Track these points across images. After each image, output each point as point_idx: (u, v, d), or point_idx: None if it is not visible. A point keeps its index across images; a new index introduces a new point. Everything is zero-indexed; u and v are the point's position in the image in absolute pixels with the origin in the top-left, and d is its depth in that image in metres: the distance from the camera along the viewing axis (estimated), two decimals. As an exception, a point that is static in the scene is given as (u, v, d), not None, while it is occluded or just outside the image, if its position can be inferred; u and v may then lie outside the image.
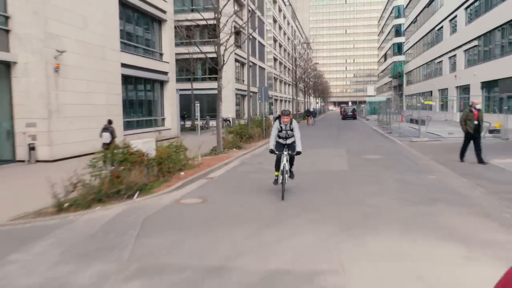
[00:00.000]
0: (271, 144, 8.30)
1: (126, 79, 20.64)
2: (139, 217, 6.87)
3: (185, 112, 35.38)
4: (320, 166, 12.29)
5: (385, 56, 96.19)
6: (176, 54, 27.36)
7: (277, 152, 8.21)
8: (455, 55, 40.69)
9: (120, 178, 8.55)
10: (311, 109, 55.71)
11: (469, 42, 36.26)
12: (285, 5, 75.64)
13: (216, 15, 16.23)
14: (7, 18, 14.26)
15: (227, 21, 16.57)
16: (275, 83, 65.21)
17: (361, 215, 6.69)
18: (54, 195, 7.50)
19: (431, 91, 50.08)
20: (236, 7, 35.97)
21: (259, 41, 51.01)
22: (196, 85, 36.25)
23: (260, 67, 51.60)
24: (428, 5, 50.80)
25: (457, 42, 39.44)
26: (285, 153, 8.21)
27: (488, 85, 32.38)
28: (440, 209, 6.87)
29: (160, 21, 24.65)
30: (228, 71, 34.68)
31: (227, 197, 8.56)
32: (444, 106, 44.57)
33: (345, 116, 55.64)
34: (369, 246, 5.15)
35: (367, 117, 57.19)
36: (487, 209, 6.84)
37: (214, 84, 23.88)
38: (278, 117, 8.45)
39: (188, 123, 35.28)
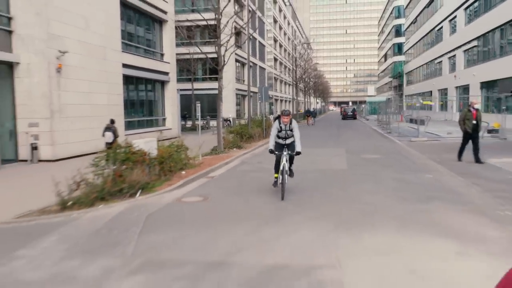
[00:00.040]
0: (271, 144, 8.28)
1: (127, 79, 20.80)
2: (142, 215, 7.03)
3: (186, 112, 35.55)
4: (320, 165, 12.45)
5: (385, 56, 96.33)
6: (177, 54, 27.52)
7: (276, 153, 8.21)
8: (454, 55, 40.84)
9: (123, 177, 8.70)
10: (311, 109, 55.81)
11: (469, 42, 36.41)
12: (285, 5, 75.80)
13: (216, 16, 16.38)
14: (9, 19, 14.41)
15: (228, 22, 16.72)
16: (276, 83, 65.37)
17: (358, 212, 6.84)
18: (58, 194, 7.66)
19: (431, 91, 50.24)
20: (236, 8, 36.11)
21: (259, 41, 51.18)
22: (197, 85, 36.42)
23: (260, 67, 51.76)
24: (428, 5, 50.95)
25: (457, 42, 39.59)
26: (285, 153, 8.21)
27: (487, 85, 32.52)
28: (435, 207, 7.03)
29: (161, 22, 24.81)
30: (229, 71, 34.84)
31: (228, 195, 8.71)
32: (443, 106, 44.72)
33: (345, 116, 55.81)
34: (366, 242, 5.31)
35: (367, 117, 57.34)
36: (482, 207, 7.00)
37: (214, 84, 24.06)
38: (278, 117, 8.44)
39: (188, 123, 35.46)
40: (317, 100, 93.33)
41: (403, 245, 5.16)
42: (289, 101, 73.09)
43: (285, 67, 74.00)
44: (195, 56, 32.13)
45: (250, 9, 33.47)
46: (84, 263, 4.83)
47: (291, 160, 8.51)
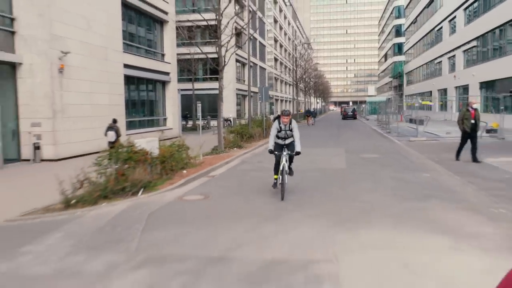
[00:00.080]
0: (270, 145, 8.26)
1: (128, 80, 20.96)
2: (144, 213, 7.19)
3: (187, 112, 35.71)
4: (319, 165, 12.60)
5: (385, 56, 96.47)
6: (178, 54, 27.68)
7: (276, 153, 8.20)
8: (454, 56, 40.99)
9: (125, 176, 8.86)
10: (311, 109, 55.97)
11: (468, 42, 36.55)
12: (285, 5, 75.95)
13: (217, 17, 16.53)
14: (12, 20, 14.58)
15: (228, 22, 16.87)
16: (276, 83, 65.53)
17: (356, 210, 6.99)
18: (62, 192, 7.81)
19: (431, 91, 50.40)
20: (237, 8, 36.26)
21: (260, 42, 51.33)
22: (197, 85, 36.58)
23: (261, 67, 51.92)
24: (428, 5, 51.10)
25: (456, 42, 39.74)
26: (284, 153, 8.19)
27: (486, 85, 32.66)
28: (431, 205, 7.19)
29: (161, 22, 24.98)
30: (229, 72, 34.99)
31: (228, 194, 8.87)
32: (443, 106, 44.88)
33: (345, 116, 55.98)
34: (362, 238, 5.47)
35: (367, 117, 57.50)
36: (476, 204, 7.16)
37: (215, 84, 24.19)
38: (277, 117, 8.39)
39: (189, 123, 35.61)
40: (318, 100, 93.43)
41: (398, 241, 5.32)
42: (290, 101, 73.24)
43: (286, 67, 74.16)
44: (196, 56, 32.28)
45: (251, 9, 33.61)
46: (89, 259, 4.99)
47: (290, 160, 8.51)
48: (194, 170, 11.56)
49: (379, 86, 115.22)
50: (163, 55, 25.25)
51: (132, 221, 6.66)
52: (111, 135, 13.43)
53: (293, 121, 8.31)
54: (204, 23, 18.56)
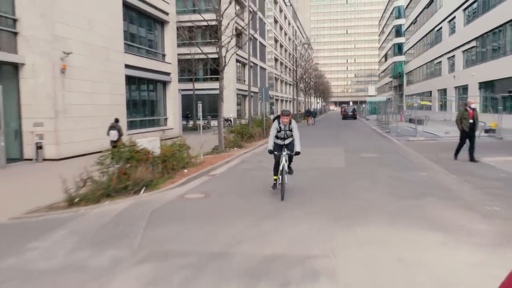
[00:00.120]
0: (270, 145, 8.24)
1: (129, 80, 21.13)
2: (146, 211, 7.35)
3: (189, 112, 35.86)
4: (319, 164, 12.76)
5: (385, 56, 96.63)
6: (178, 54, 27.84)
7: (276, 153, 8.19)
8: (453, 56, 41.14)
9: (127, 175, 9.02)
10: (311, 109, 56.13)
11: (467, 43, 36.70)
12: (286, 5, 76.11)
13: (217, 17, 16.68)
14: (15, 21, 14.75)
15: (229, 24, 17.02)
16: (276, 83, 65.69)
17: (354, 208, 7.15)
18: (66, 190, 7.97)
19: (431, 91, 50.55)
20: (237, 8, 36.40)
21: (260, 42, 51.49)
22: (198, 85, 36.74)
23: (261, 67, 52.07)
24: (428, 6, 51.26)
25: (456, 43, 39.89)
26: (284, 153, 8.17)
27: (485, 86, 32.82)
28: (427, 203, 7.35)
29: (162, 23, 25.14)
30: (230, 72, 35.13)
31: (229, 192, 9.03)
32: (443, 106, 45.04)
33: (345, 116, 56.15)
34: (359, 234, 5.63)
35: (367, 117, 57.65)
36: (471, 202, 7.32)
37: (215, 84, 24.33)
38: (277, 117, 8.37)
39: (190, 123, 35.77)
40: (318, 100, 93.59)
41: (393, 237, 5.48)
42: (290, 101, 73.42)
43: (286, 67, 74.33)
44: (196, 57, 32.44)
45: (251, 9, 33.76)
46: (94, 254, 5.15)
47: (290, 159, 8.50)
48: (195, 169, 11.72)
49: (380, 86, 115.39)
50: (163, 55, 25.41)
51: (135, 219, 6.82)
52: (114, 134, 13.63)
53: (293, 121, 8.29)
54: (205, 23, 18.70)
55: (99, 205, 7.92)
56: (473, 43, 35.42)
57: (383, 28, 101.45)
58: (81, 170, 8.53)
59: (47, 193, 8.78)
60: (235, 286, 4.09)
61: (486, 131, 20.64)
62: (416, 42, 58.76)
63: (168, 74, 25.33)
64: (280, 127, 8.23)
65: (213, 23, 17.87)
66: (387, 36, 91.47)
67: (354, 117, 55.78)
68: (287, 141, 8.42)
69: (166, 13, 24.78)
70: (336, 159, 14.02)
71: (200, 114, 15.54)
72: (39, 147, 14.77)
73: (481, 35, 33.50)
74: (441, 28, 45.49)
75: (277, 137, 8.36)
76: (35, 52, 14.81)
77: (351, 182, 9.78)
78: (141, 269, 4.62)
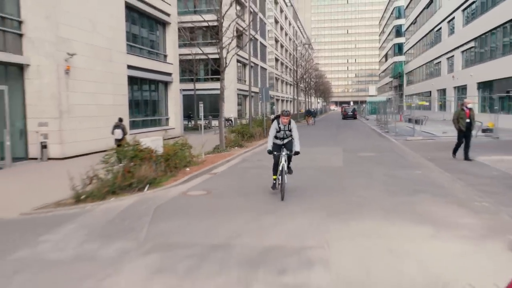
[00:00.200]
0: (269, 145, 8.25)
1: (131, 80, 21.45)
2: (150, 207, 7.67)
3: (191, 112, 36.16)
4: (318, 163, 13.07)
5: (386, 56, 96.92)
6: (179, 55, 28.16)
7: (275, 153, 8.21)
8: (453, 56, 41.43)
9: (131, 173, 9.34)
10: (311, 109, 56.45)
11: (466, 43, 36.99)
12: (286, 5, 76.41)
13: (218, 19, 16.96)
14: (20, 22, 15.07)
15: (229, 25, 17.31)
16: (277, 83, 66.01)
17: (349, 204, 7.48)
18: (73, 188, 8.31)
19: (430, 91, 50.85)
20: (238, 9, 36.71)
21: (260, 42, 51.80)
22: (199, 85, 37.05)
23: (261, 67, 52.38)
24: (428, 6, 51.55)
25: (455, 43, 40.17)
26: (283, 153, 8.17)
27: (484, 86, 33.11)
28: (420, 199, 7.66)
29: (164, 24, 25.47)
30: (230, 72, 35.48)
31: (230, 189, 9.36)
32: (442, 106, 45.33)
33: (345, 116, 56.48)
34: (353, 228, 5.95)
35: (367, 117, 57.94)
36: (462, 198, 7.63)
37: (216, 85, 24.63)
38: (276, 117, 8.40)
39: (191, 123, 36.08)
40: (318, 100, 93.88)
41: (385, 230, 5.80)
42: (290, 101, 73.73)
43: (286, 67, 74.65)
44: (197, 57, 32.75)
45: (252, 10, 34.06)
46: (103, 246, 5.47)
47: (289, 159, 8.53)
48: (196, 167, 12.04)
49: (380, 86, 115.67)
50: (165, 56, 25.73)
51: (140, 214, 7.14)
52: (118, 133, 14.01)
53: (292, 122, 8.30)
54: (206, 24, 18.97)
55: (105, 202, 8.25)
56: (472, 44, 35.71)
57: (383, 28, 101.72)
58: (86, 169, 8.86)
59: (54, 191, 9.11)
60: (236, 274, 4.41)
61: (483, 130, 20.93)
62: (416, 42, 59.06)
63: (169, 74, 25.66)
64: (279, 127, 8.26)
65: (214, 24, 18.17)
66: (388, 36, 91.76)
67: (354, 117, 56.10)
68: (285, 141, 8.47)
69: (168, 14, 25.11)
70: (335, 158, 14.33)
71: (201, 114, 15.86)
72: (44, 146, 15.09)
73: (480, 36, 33.78)
74: (440, 28, 45.79)
75: (276, 137, 8.38)
76: (40, 53, 15.14)
77: (348, 179, 10.10)
78: (148, 259, 4.94)
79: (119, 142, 12.74)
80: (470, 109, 13.22)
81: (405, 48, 70.84)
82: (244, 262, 4.72)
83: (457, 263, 4.57)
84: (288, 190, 8.57)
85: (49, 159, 15.18)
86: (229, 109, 37.25)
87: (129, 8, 21.11)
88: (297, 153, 8.05)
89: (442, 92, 45.59)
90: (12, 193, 9.54)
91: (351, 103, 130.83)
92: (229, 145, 17.87)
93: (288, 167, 8.50)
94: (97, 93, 17.64)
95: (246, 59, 35.64)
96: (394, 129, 24.91)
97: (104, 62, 18.27)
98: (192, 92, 34.87)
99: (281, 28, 71.75)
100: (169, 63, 25.72)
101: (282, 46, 72.28)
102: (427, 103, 47.10)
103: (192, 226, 6.33)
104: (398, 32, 78.93)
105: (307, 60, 61.71)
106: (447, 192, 8.23)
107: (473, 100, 29.33)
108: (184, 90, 30.53)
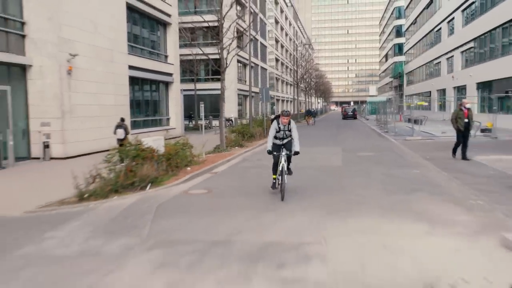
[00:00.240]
0: (269, 145, 8.25)
1: (133, 81, 21.62)
2: (153, 205, 7.83)
3: (192, 112, 36.32)
4: (318, 162, 13.23)
5: (386, 56, 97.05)
6: (180, 55, 28.31)
7: (275, 153, 8.23)
8: (452, 56, 41.56)
9: (134, 172, 9.51)
10: (311, 109, 56.60)
11: (466, 43, 37.13)
12: (287, 6, 76.56)
13: (219, 20, 17.10)
14: (23, 24, 15.24)
15: (230, 26, 17.46)
16: (277, 83, 66.17)
17: (347, 202, 7.63)
18: (77, 186, 8.47)
19: (430, 92, 50.99)
20: (238, 9, 36.85)
21: (261, 42, 51.96)
22: (199, 85, 37.20)
23: (262, 67, 52.55)
24: (427, 6, 51.69)
25: (455, 43, 40.30)
26: (283, 153, 8.15)
27: (483, 86, 33.25)
28: (416, 197, 7.82)
29: (165, 24, 25.64)
30: (231, 72, 35.63)
31: (230, 188, 9.52)
32: (442, 106, 45.48)
33: (345, 116, 56.67)
34: (350, 225, 6.11)
35: (367, 117, 58.11)
36: (458, 197, 7.78)
37: (216, 85, 24.79)
38: (276, 118, 8.41)
39: (192, 123, 36.24)
40: (319, 100, 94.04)
41: (382, 227, 5.96)
42: (291, 101, 73.89)
43: (287, 67, 74.81)
44: (198, 57, 32.90)
45: (252, 11, 34.21)
46: (107, 242, 5.64)
47: (288, 160, 8.52)
48: (197, 167, 12.20)
49: (380, 86, 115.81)
50: (166, 56, 25.90)
51: (142, 212, 7.30)
52: (120, 133, 14.19)
53: (292, 122, 8.30)
54: (206, 24, 19.11)
55: (107, 200, 8.41)
56: (472, 44, 35.85)
57: (383, 28, 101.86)
58: (88, 168, 9.01)
59: (56, 190, 9.27)
60: (236, 268, 4.57)
61: (482, 130, 21.09)
62: (416, 43, 59.20)
63: (170, 74, 25.83)
64: (279, 127, 8.26)
65: (215, 24, 18.31)
66: (388, 36, 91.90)
67: (354, 117, 56.28)
68: (285, 141, 8.47)
69: (169, 15, 25.27)
70: (334, 158, 14.48)
71: (202, 114, 16.02)
72: (46, 146, 15.25)
73: (479, 36, 33.91)
74: (440, 28, 45.93)
75: (275, 137, 8.39)
76: (43, 54, 15.31)
77: (347, 179, 10.26)
78: (151, 254, 5.10)
79: (121, 142, 12.93)
80: (469, 109, 13.36)
81: (405, 48, 70.96)
82: (244, 257, 4.88)
83: (451, 258, 4.72)
84: (287, 189, 8.63)
85: (52, 158, 15.34)
86: (230, 109, 37.41)
87: (130, 9, 21.28)
88: (296, 153, 8.07)
89: (442, 92, 45.73)
90: (16, 192, 9.71)
91: (352, 103, 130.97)
92: (230, 145, 18.03)
93: (288, 168, 8.48)
94: (98, 94, 17.80)
95: (247, 59, 35.80)
96: (393, 129, 25.05)
97: (105, 63, 18.43)
98: (192, 92, 35.04)
99: (282, 28, 71.92)
100: (170, 64, 25.88)
101: (282, 46, 72.45)
102: (426, 103, 47.23)
103: (194, 224, 6.49)
104: (398, 32, 79.06)
105: (308, 60, 61.87)
106: (443, 191, 8.38)
107: (472, 100, 29.48)
108: (184, 90, 30.70)
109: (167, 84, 25.97)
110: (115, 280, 4.41)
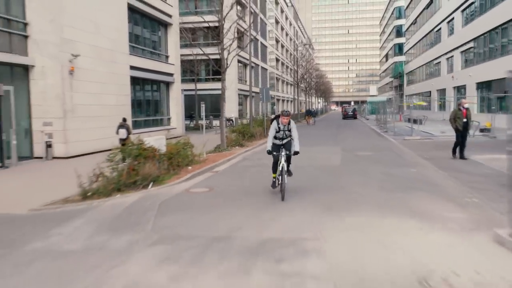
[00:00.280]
0: (269, 145, 8.28)
1: (134, 81, 21.81)
2: (155, 203, 8.01)
3: (193, 112, 36.48)
4: (317, 162, 13.39)
5: (386, 56, 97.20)
6: (181, 55, 28.49)
7: (275, 153, 8.23)
8: (452, 56, 41.72)
9: (136, 171, 9.69)
10: (312, 109, 56.75)
11: (466, 43, 37.29)
12: (287, 6, 76.72)
13: (220, 21, 17.27)
14: (25, 24, 15.43)
15: (231, 26, 17.62)
16: (277, 83, 66.34)
17: (345, 200, 7.82)
18: (80, 185, 8.65)
19: (430, 91, 51.15)
20: (238, 9, 37.00)
21: (261, 42, 52.14)
22: (200, 85, 37.37)
23: (262, 67, 52.72)
24: (427, 6, 51.85)
25: (454, 43, 40.46)
26: (283, 153, 8.14)
27: (483, 86, 33.40)
28: (413, 196, 7.99)
29: (166, 25, 25.82)
30: (231, 73, 35.80)
31: (231, 186, 9.70)
32: (441, 106, 45.64)
33: (345, 116, 56.85)
34: (346, 221, 6.30)
35: (367, 116, 58.27)
36: (453, 195, 7.96)
37: (217, 85, 24.97)
38: (276, 118, 8.42)
39: (193, 122, 36.41)
40: (319, 100, 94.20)
41: (377, 223, 6.14)
42: (291, 101, 74.05)
43: (287, 67, 74.98)
44: (199, 57, 33.07)
45: (252, 11, 34.37)
46: (112, 238, 5.82)
47: (288, 160, 8.45)
48: (198, 166, 12.37)
49: (381, 86, 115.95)
50: (167, 56, 26.09)
51: (145, 209, 7.48)
52: (123, 133, 14.39)
53: (292, 122, 8.29)
54: (207, 25, 19.28)
55: (111, 198, 8.58)
56: (471, 44, 36.01)
57: (384, 28, 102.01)
58: (90, 167, 9.20)
59: (60, 188, 9.46)
60: (236, 261, 4.76)
61: (481, 130, 21.26)
62: (416, 43, 59.37)
63: (171, 75, 26.01)
64: (279, 127, 8.26)
65: (216, 24, 18.48)
66: (388, 36, 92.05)
67: (354, 117, 56.44)
68: (284, 141, 8.47)
69: (170, 16, 25.46)
70: (333, 157, 14.64)
71: (203, 114, 16.19)
72: (48, 145, 15.43)
73: (479, 36, 34.07)
74: (440, 29, 46.09)
75: (275, 137, 8.40)
76: (45, 54, 15.49)
77: (345, 177, 10.43)
78: (155, 249, 5.29)
79: (123, 142, 13.14)
80: (467, 109, 13.53)
81: (405, 48, 71.13)
82: (244, 252, 5.06)
83: (444, 253, 4.90)
84: (287, 187, 8.66)
85: (54, 158, 15.52)
86: (230, 109, 37.57)
87: (132, 9, 21.46)
88: (296, 153, 8.06)
89: (442, 92, 45.89)
90: (20, 190, 9.90)
91: (352, 103, 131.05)
92: (230, 145, 18.19)
93: (288, 170, 8.43)
94: (100, 94, 17.98)
95: (247, 59, 35.97)
96: (393, 128, 25.20)
97: (107, 63, 18.61)
98: (193, 92, 35.22)
99: (282, 28, 72.09)
100: (171, 64, 26.07)
101: (282, 46, 72.62)
102: (426, 103, 47.40)
103: (195, 220, 6.67)
104: (399, 32, 79.21)
105: (308, 60, 62.05)
106: (439, 189, 8.56)
107: (471, 100, 29.64)
108: (185, 90, 30.86)
109: (168, 84, 26.16)
110: (120, 273, 4.59)
